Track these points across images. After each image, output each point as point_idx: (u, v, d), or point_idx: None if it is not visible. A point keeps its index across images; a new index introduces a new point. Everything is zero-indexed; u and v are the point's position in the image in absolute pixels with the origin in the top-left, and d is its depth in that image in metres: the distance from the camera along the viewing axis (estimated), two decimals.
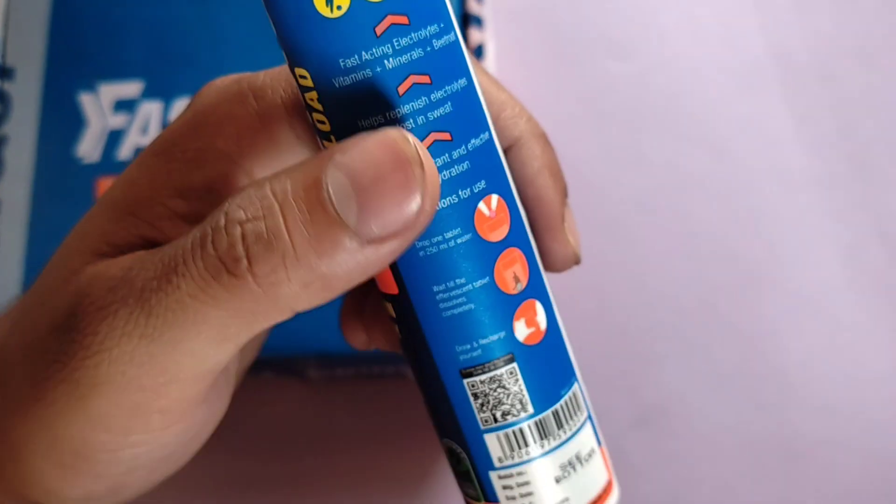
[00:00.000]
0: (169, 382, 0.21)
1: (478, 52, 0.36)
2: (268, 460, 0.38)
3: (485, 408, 0.22)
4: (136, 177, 0.24)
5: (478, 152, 0.21)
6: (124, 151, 0.37)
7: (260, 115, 0.23)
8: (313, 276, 0.19)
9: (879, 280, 0.38)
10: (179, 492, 0.37)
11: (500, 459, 0.23)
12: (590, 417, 0.24)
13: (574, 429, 0.23)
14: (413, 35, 0.20)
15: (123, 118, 0.38)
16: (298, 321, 0.34)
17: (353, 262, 0.19)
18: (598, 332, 0.38)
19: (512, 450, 0.23)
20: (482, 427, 0.23)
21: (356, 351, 0.34)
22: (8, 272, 0.37)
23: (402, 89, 0.20)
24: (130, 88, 0.38)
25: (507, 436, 0.22)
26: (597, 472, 0.24)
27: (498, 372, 0.22)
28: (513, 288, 0.22)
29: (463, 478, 0.24)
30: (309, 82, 0.20)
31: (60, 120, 0.38)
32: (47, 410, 0.21)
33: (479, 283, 0.21)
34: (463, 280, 0.21)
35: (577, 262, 0.26)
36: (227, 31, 0.38)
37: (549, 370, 0.23)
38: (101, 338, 0.21)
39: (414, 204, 0.19)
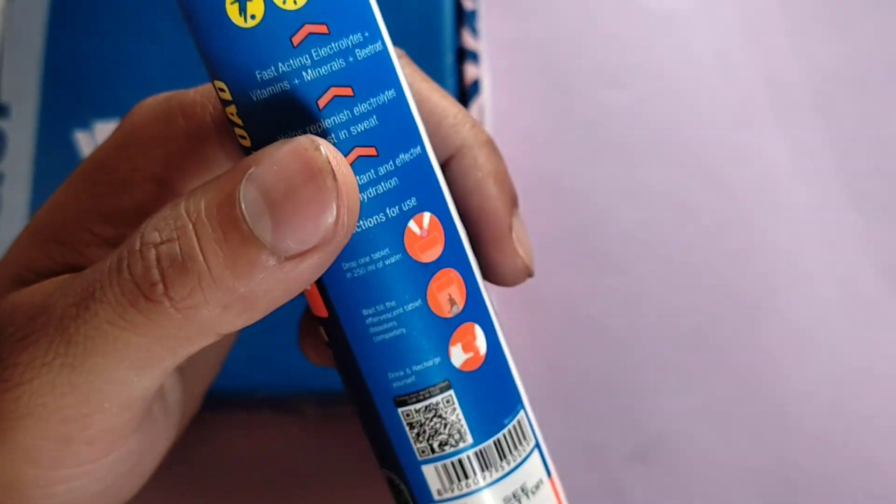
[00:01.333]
0: (93, 413, 0.20)
1: (474, 87, 0.36)
2: (265, 496, 0.38)
3: (421, 438, 0.21)
4: (61, 201, 0.23)
5: (407, 168, 0.20)
6: None
7: (188, 134, 0.22)
8: (232, 297, 0.19)
9: (876, 311, 0.38)
10: None
11: (439, 492, 0.22)
12: (538, 446, 0.23)
13: (519, 459, 0.22)
14: (333, 45, 0.19)
15: None
16: (295, 359, 0.34)
17: (273, 280, 0.19)
18: (594, 364, 0.38)
19: (451, 482, 0.22)
20: (419, 458, 0.21)
21: None
22: None
23: (322, 102, 0.19)
24: None
25: (445, 467, 0.21)
26: None
27: (433, 400, 0.21)
28: (448, 311, 0.21)
29: None
30: (228, 95, 0.20)
31: (56, 157, 0.38)
32: None
33: (410, 307, 0.20)
34: (393, 303, 0.20)
35: (529, 274, 0.25)
36: None
37: (489, 398, 0.22)
38: (22, 369, 0.20)
39: (329, 216, 0.18)
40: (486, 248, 0.24)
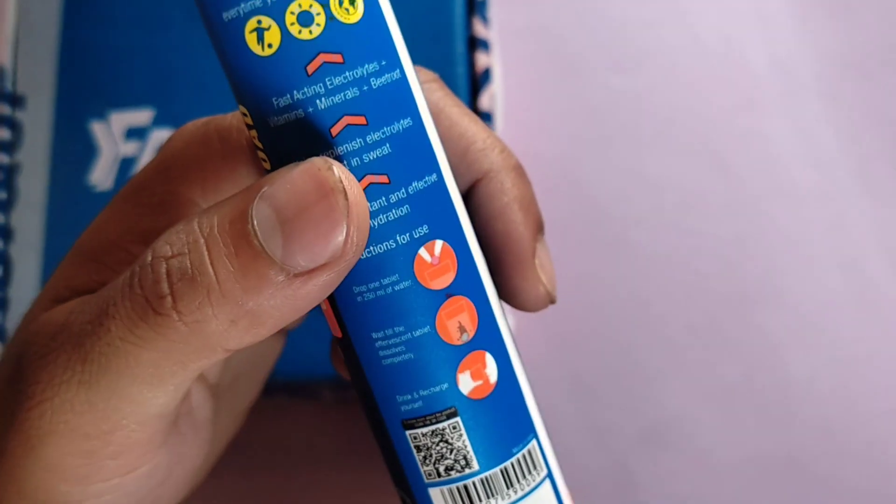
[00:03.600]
0: (113, 430, 0.20)
1: (485, 75, 0.37)
2: (281, 479, 0.39)
3: (427, 461, 0.21)
4: (103, 221, 0.24)
5: (421, 196, 0.20)
6: None
7: (224, 157, 0.23)
8: (240, 311, 0.19)
9: (881, 295, 0.39)
10: None
11: None
12: (549, 476, 0.23)
13: (527, 489, 0.22)
14: (348, 74, 0.19)
15: (135, 146, 0.38)
16: (312, 347, 0.35)
17: (282, 296, 0.19)
18: (601, 349, 0.39)
19: None
20: (426, 480, 0.22)
21: None
22: (23, 300, 0.37)
23: (335, 130, 0.20)
24: (141, 116, 0.38)
25: (451, 491, 0.21)
26: None
27: (440, 426, 0.21)
28: (457, 339, 0.21)
29: None
30: (250, 120, 0.20)
31: (72, 148, 0.38)
32: (9, 463, 0.21)
33: (418, 333, 0.20)
34: (402, 328, 0.20)
35: (551, 301, 0.25)
36: None
37: (497, 426, 0.21)
38: (43, 386, 0.20)
39: (339, 235, 0.19)
40: (508, 274, 0.24)
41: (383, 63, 0.20)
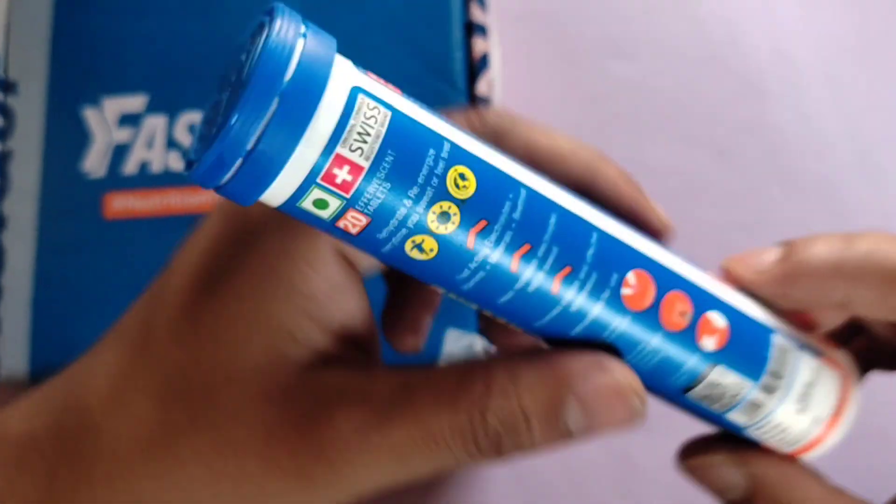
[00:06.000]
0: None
1: (482, 61, 0.36)
2: None
3: (715, 403, 0.25)
4: None
5: (595, 259, 0.23)
6: (130, 166, 0.37)
7: None
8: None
9: None
10: None
11: (746, 425, 0.26)
12: (799, 347, 0.26)
13: (791, 370, 0.25)
14: (496, 227, 0.22)
15: (128, 132, 0.38)
16: None
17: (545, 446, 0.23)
18: None
19: (752, 416, 0.25)
20: (722, 413, 0.25)
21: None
22: (17, 288, 0.37)
23: (515, 261, 0.22)
24: (134, 102, 0.38)
25: (743, 409, 0.25)
26: (827, 383, 0.26)
27: (711, 378, 0.24)
28: (684, 323, 0.24)
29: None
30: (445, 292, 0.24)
31: (65, 135, 0.38)
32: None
33: (655, 342, 0.23)
34: (642, 346, 0.24)
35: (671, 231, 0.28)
36: (230, 45, 0.38)
37: (748, 348, 0.25)
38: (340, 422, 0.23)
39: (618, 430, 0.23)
40: (640, 219, 0.27)
41: (511, 196, 0.22)
